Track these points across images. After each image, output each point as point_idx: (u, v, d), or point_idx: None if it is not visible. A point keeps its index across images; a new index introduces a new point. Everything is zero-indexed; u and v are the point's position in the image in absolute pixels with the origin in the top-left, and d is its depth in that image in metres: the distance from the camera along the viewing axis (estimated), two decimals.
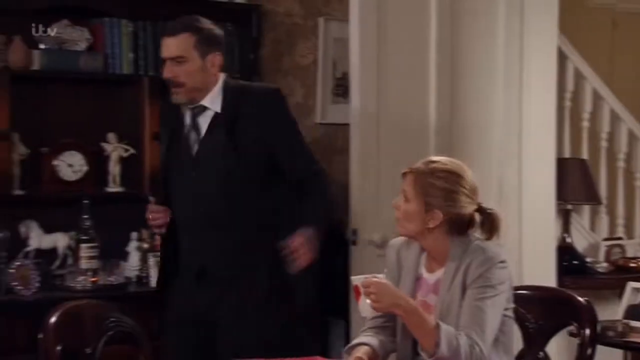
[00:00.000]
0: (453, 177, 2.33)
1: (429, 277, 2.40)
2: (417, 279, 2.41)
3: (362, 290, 2.26)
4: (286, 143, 2.82)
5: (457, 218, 2.32)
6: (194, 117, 2.84)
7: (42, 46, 3.56)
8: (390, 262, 2.47)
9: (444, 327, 2.23)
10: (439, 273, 2.38)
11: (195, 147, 2.82)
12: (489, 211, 2.36)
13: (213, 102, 2.82)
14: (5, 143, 3.42)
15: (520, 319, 2.64)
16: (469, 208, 2.33)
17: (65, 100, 3.67)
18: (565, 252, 4.21)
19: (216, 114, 2.82)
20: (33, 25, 3.54)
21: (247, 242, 2.79)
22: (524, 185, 3.81)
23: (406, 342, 2.38)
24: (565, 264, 4.14)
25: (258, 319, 2.79)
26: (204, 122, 2.83)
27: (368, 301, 2.25)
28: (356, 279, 2.30)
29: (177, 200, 2.86)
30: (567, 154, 4.43)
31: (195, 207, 2.81)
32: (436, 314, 2.33)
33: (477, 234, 2.38)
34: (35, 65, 3.53)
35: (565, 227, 4.29)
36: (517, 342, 2.66)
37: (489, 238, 2.35)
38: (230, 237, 2.78)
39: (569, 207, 4.30)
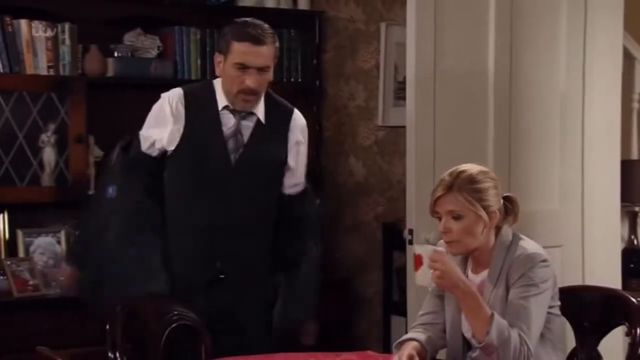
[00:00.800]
0: (487, 175, 2.42)
1: (474, 279, 2.45)
2: None
3: (424, 260, 2.31)
4: (300, 159, 2.89)
5: (500, 211, 2.42)
6: (239, 123, 2.80)
7: (116, 54, 3.75)
8: None
9: (497, 317, 2.28)
10: (483, 274, 2.44)
11: (236, 154, 2.77)
12: (510, 196, 2.48)
13: (260, 110, 2.82)
14: (81, 146, 3.61)
15: (572, 318, 2.66)
16: (501, 199, 2.45)
17: (138, 104, 3.80)
18: (632, 254, 4.15)
19: (259, 122, 2.80)
20: (108, 34, 3.74)
21: (264, 249, 2.83)
22: (587, 186, 3.78)
23: (456, 338, 2.44)
24: (632, 266, 4.09)
25: (267, 324, 2.84)
26: (246, 129, 2.79)
27: (431, 271, 2.29)
28: (420, 249, 2.35)
29: (198, 205, 2.76)
30: (635, 155, 4.37)
31: (225, 213, 2.76)
32: None
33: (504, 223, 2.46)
34: (110, 72, 3.72)
35: (633, 229, 4.24)
36: (570, 341, 2.68)
37: (514, 222, 2.46)
38: (252, 244, 2.79)
39: (637, 209, 4.25)
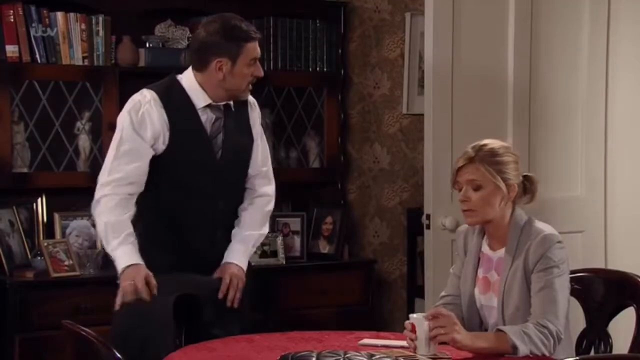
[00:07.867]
0: (507, 150, 2.50)
1: (491, 255, 2.53)
2: (480, 257, 2.55)
3: (417, 329, 2.30)
4: (263, 145, 2.99)
5: (519, 187, 2.49)
6: (217, 119, 2.85)
7: (147, 45, 3.88)
8: (459, 247, 2.63)
9: (506, 329, 2.33)
10: (501, 252, 2.50)
11: (219, 147, 2.84)
12: (530, 175, 2.54)
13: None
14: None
15: (582, 300, 2.72)
16: (520, 176, 2.51)
17: None
18: None
19: (228, 111, 2.86)
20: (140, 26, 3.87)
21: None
22: (610, 173, 3.81)
23: (473, 314, 2.53)
24: None
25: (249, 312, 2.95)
26: (220, 122, 2.86)
27: (423, 338, 2.30)
28: (415, 319, 2.34)
29: (190, 200, 2.82)
30: None
31: (212, 207, 2.85)
32: (499, 293, 2.46)
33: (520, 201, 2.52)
34: (142, 63, 3.85)
35: None
36: (580, 321, 2.74)
37: (531, 201, 2.51)
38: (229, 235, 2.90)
39: None
